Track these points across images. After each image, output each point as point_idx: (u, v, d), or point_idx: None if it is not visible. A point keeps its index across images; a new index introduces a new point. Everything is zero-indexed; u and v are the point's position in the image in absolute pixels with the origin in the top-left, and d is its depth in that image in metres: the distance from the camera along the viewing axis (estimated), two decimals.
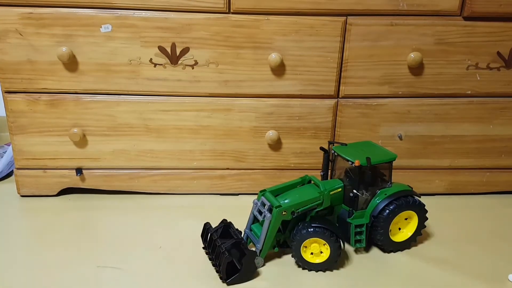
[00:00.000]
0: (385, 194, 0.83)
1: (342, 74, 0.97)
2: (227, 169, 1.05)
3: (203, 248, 0.84)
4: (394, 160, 0.84)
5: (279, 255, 0.84)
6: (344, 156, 0.83)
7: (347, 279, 0.79)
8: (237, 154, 1.03)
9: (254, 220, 0.84)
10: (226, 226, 0.81)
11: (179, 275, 0.78)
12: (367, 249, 0.87)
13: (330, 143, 0.90)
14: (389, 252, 0.86)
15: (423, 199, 1.07)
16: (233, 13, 0.91)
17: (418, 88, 0.99)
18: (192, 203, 1.04)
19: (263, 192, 0.82)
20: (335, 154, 0.86)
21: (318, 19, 0.92)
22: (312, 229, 0.77)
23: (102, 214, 0.98)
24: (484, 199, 1.08)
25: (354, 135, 1.02)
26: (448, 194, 1.09)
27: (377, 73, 0.97)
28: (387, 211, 0.82)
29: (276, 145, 1.03)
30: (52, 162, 1.01)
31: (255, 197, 0.86)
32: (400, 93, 0.99)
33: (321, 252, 0.79)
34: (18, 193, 1.04)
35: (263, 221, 0.79)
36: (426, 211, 0.86)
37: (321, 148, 0.90)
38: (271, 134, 1.00)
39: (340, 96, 0.99)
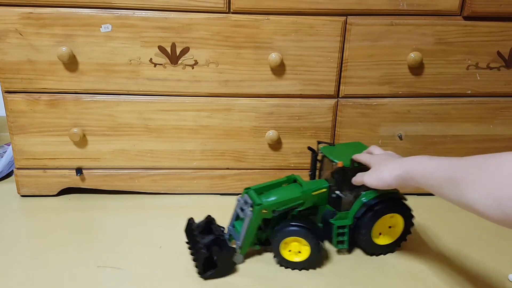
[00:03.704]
0: (369, 196, 0.81)
1: (342, 74, 0.97)
2: (227, 169, 1.05)
3: (186, 243, 0.85)
4: None
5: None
6: (328, 156, 0.83)
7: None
8: (237, 154, 1.03)
9: (237, 217, 0.85)
10: (208, 222, 0.83)
11: (179, 275, 0.78)
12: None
13: (319, 142, 0.90)
14: (371, 255, 0.85)
15: (423, 199, 1.07)
16: (233, 13, 0.91)
17: (418, 88, 0.99)
18: (192, 203, 1.04)
19: (247, 189, 0.82)
20: (322, 154, 0.86)
21: (318, 19, 0.92)
22: (292, 228, 0.77)
23: (102, 214, 0.98)
24: None
25: (354, 135, 1.02)
26: None
27: (377, 73, 0.97)
28: (370, 213, 0.80)
29: (276, 145, 1.03)
30: (52, 162, 1.01)
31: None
32: (400, 93, 0.99)
33: (299, 252, 0.79)
34: (18, 193, 1.04)
35: (244, 218, 0.80)
36: (412, 216, 0.84)
37: (309, 148, 0.90)
38: (271, 134, 1.00)
39: (340, 96, 0.99)
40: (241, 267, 0.81)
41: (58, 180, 1.03)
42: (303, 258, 0.79)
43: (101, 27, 0.90)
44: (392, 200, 0.81)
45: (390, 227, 0.84)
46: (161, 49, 0.92)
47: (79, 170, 1.02)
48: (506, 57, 0.97)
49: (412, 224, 0.84)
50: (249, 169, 1.05)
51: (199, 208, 1.02)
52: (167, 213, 0.99)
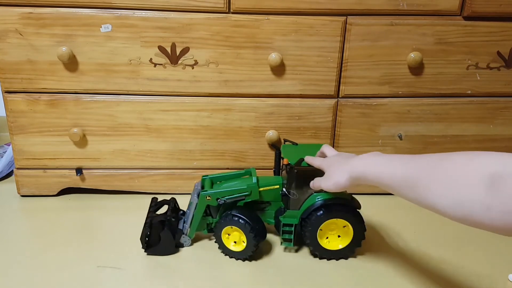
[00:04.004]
0: (318, 198, 0.80)
1: (342, 74, 0.97)
2: (227, 169, 1.05)
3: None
4: None
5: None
6: (282, 154, 0.84)
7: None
8: (237, 154, 1.03)
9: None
10: (167, 202, 0.90)
11: (179, 275, 0.78)
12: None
13: (285, 141, 0.91)
14: (320, 258, 0.83)
15: None
16: (233, 13, 0.91)
17: (418, 88, 0.99)
18: None
19: (205, 177, 0.87)
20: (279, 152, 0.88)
21: (318, 19, 0.92)
22: (232, 217, 0.80)
23: (102, 214, 0.98)
24: None
25: (354, 135, 1.02)
26: None
27: (377, 73, 0.97)
28: (315, 215, 0.79)
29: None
30: (52, 162, 1.01)
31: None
32: (400, 93, 0.99)
33: (235, 242, 0.82)
34: (18, 193, 1.04)
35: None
36: (363, 225, 0.81)
37: (273, 146, 0.93)
38: (271, 134, 1.00)
39: (340, 96, 0.99)
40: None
41: (58, 180, 1.03)
42: (241, 248, 0.81)
43: (101, 27, 0.90)
44: (341, 205, 0.80)
45: (344, 227, 0.81)
46: (161, 49, 0.92)
47: (79, 170, 1.02)
48: (506, 57, 0.97)
49: (364, 230, 0.81)
50: None
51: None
52: None
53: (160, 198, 0.93)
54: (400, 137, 1.03)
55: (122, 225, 0.94)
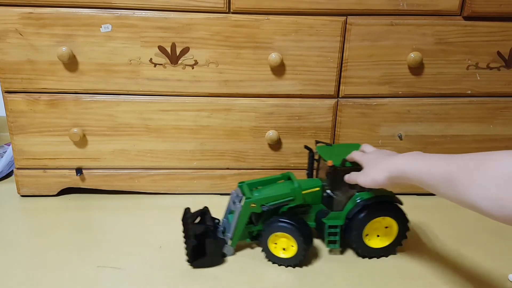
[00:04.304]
0: (361, 198, 0.81)
1: (342, 74, 0.97)
2: (227, 169, 1.05)
3: (182, 231, 0.86)
4: None
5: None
6: (322, 155, 0.83)
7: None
8: (237, 154, 1.03)
9: (231, 210, 0.86)
10: (203, 212, 0.85)
11: (179, 275, 0.78)
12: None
13: (317, 142, 0.90)
14: (363, 257, 0.84)
15: (423, 199, 1.07)
16: (233, 13, 0.91)
17: (418, 88, 0.99)
18: (192, 203, 1.03)
19: (241, 183, 0.84)
20: (317, 153, 0.87)
21: (318, 19, 0.92)
22: (280, 224, 0.78)
23: (102, 214, 0.98)
24: None
25: (354, 135, 1.02)
26: None
27: (377, 73, 0.97)
28: (361, 215, 0.79)
29: (276, 145, 1.03)
30: (52, 162, 1.01)
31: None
32: (400, 93, 0.99)
33: (284, 249, 0.80)
34: (18, 193, 1.04)
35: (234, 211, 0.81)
36: (407, 220, 0.82)
37: (306, 147, 0.90)
38: (271, 134, 1.00)
39: (340, 96, 0.99)
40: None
41: (58, 180, 1.03)
42: (290, 255, 0.79)
43: (101, 27, 0.90)
44: (385, 203, 0.81)
45: (386, 227, 0.83)
46: (161, 49, 0.92)
47: (79, 170, 1.02)
48: (506, 57, 0.97)
49: (407, 229, 0.83)
50: (249, 169, 1.05)
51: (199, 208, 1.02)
52: (167, 213, 0.99)
53: (186, 205, 0.90)
54: (400, 137, 1.03)
55: (122, 225, 0.94)
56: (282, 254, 0.80)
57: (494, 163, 0.50)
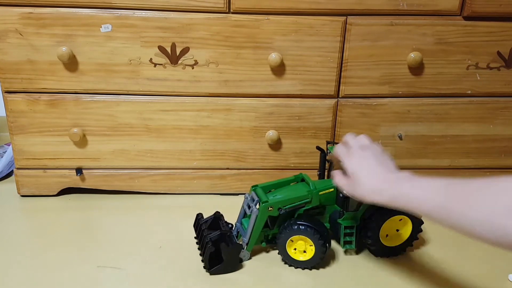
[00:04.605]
0: None
1: (342, 74, 0.97)
2: (227, 169, 1.05)
3: (195, 238, 0.86)
4: None
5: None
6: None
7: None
8: (237, 154, 1.03)
9: (244, 214, 0.85)
10: (216, 218, 0.84)
11: (179, 275, 0.78)
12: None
13: (328, 142, 0.89)
14: (381, 256, 0.84)
15: None
16: (233, 13, 0.91)
17: (418, 88, 0.99)
18: (192, 203, 1.04)
19: (254, 187, 0.83)
20: (329, 153, 0.86)
21: (318, 19, 0.92)
22: (297, 226, 0.77)
23: (102, 214, 0.98)
24: None
25: None
26: None
27: (377, 73, 0.97)
28: (378, 214, 0.80)
29: (276, 145, 1.03)
30: (52, 162, 1.01)
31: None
32: (400, 93, 0.99)
33: (304, 252, 0.79)
34: (18, 193, 1.04)
35: (250, 215, 0.80)
36: (421, 220, 0.83)
37: (318, 148, 0.90)
38: (271, 134, 1.00)
39: (340, 96, 0.99)
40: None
41: (58, 180, 1.03)
42: (308, 257, 0.79)
43: (101, 27, 0.90)
44: None
45: (397, 230, 0.83)
46: (161, 49, 0.92)
47: (79, 170, 1.02)
48: (506, 57, 0.97)
49: (421, 230, 0.84)
50: (249, 169, 1.05)
51: (199, 208, 1.01)
52: (167, 213, 0.99)
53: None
54: (400, 137, 1.03)
55: (122, 225, 0.94)
56: (301, 257, 0.79)
57: (494, 190, 0.48)
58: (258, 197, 0.80)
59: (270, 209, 0.78)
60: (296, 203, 0.79)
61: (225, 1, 0.89)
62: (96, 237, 0.90)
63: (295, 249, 0.79)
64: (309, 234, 0.77)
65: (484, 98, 1.01)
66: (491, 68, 0.98)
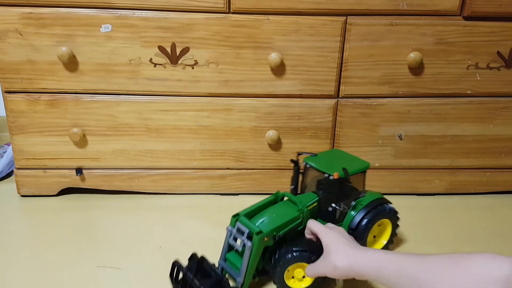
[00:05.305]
0: (361, 204, 0.80)
1: (342, 74, 0.97)
2: (227, 169, 1.05)
3: None
4: (368, 168, 0.81)
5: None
6: (318, 168, 0.79)
7: None
8: (237, 154, 1.03)
9: (228, 249, 0.76)
10: (199, 262, 0.71)
11: None
12: None
13: (299, 154, 0.85)
14: None
15: (423, 199, 1.08)
16: (233, 13, 0.91)
17: (418, 88, 0.99)
18: (192, 203, 1.04)
19: (236, 217, 0.74)
20: (308, 166, 0.82)
21: (318, 19, 0.92)
22: (291, 255, 0.70)
23: (102, 214, 0.98)
24: (484, 199, 1.08)
25: (354, 135, 1.02)
26: (448, 194, 1.09)
27: (377, 73, 0.97)
28: (365, 221, 0.78)
29: (276, 145, 1.03)
30: (52, 162, 1.01)
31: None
32: (400, 93, 0.99)
33: (303, 277, 0.73)
34: (18, 193, 1.04)
35: (243, 250, 0.71)
36: (398, 218, 0.84)
37: (292, 161, 0.85)
38: (271, 134, 1.00)
39: (340, 96, 0.99)
40: None
41: (58, 180, 1.03)
42: (309, 283, 0.73)
43: (101, 27, 0.90)
44: (380, 206, 0.81)
45: (374, 236, 0.84)
46: (161, 49, 0.92)
47: (79, 170, 1.02)
48: (506, 57, 0.97)
49: (398, 226, 0.85)
50: (249, 169, 1.05)
51: (199, 208, 1.02)
52: (167, 213, 0.99)
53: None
54: (400, 137, 1.03)
55: (122, 225, 0.94)
56: (302, 285, 0.73)
57: (462, 265, 0.50)
58: (246, 228, 0.71)
59: (265, 239, 0.70)
60: (290, 226, 0.73)
61: (225, 1, 0.89)
62: (96, 237, 0.90)
63: (293, 277, 0.73)
64: (306, 259, 0.71)
65: (484, 98, 1.01)
66: (491, 68, 0.98)
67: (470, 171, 1.08)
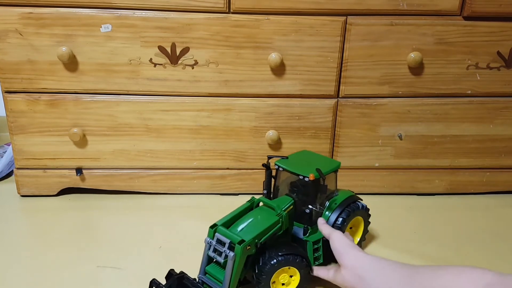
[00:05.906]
0: (335, 204, 0.80)
1: (342, 74, 0.97)
2: (227, 169, 1.05)
3: None
4: (339, 167, 0.81)
5: None
6: (292, 170, 0.78)
7: None
8: (237, 154, 1.03)
9: (208, 261, 0.73)
10: (179, 278, 0.69)
11: None
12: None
13: (269, 157, 0.84)
14: None
15: (423, 199, 1.08)
16: (233, 13, 0.91)
17: (418, 88, 0.99)
18: (192, 203, 1.04)
19: (214, 227, 0.72)
20: (280, 169, 0.81)
21: (318, 19, 0.92)
22: (281, 258, 0.69)
23: (102, 214, 0.98)
24: (484, 199, 1.08)
25: (354, 135, 1.02)
26: (448, 194, 1.09)
27: (377, 73, 0.97)
28: (341, 219, 0.78)
29: (276, 145, 1.03)
30: (52, 162, 1.01)
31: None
32: (400, 93, 0.99)
33: (290, 281, 0.72)
34: (18, 193, 1.04)
35: (225, 261, 0.68)
36: (370, 215, 0.86)
37: (264, 165, 0.83)
38: (271, 134, 1.00)
39: (340, 96, 0.99)
40: None
41: (58, 180, 1.03)
42: (295, 286, 0.72)
43: (101, 27, 0.90)
44: (353, 203, 0.82)
45: (351, 227, 0.85)
46: (161, 49, 0.92)
47: (79, 170, 1.02)
48: (506, 57, 0.97)
49: (369, 222, 0.87)
50: (249, 169, 1.05)
51: (199, 208, 1.02)
52: (167, 213, 0.99)
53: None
54: (400, 137, 1.03)
55: (122, 225, 0.94)
56: None
57: (443, 282, 0.52)
58: (226, 238, 0.69)
59: (248, 248, 0.68)
60: (271, 232, 0.72)
61: (225, 1, 0.89)
62: (96, 237, 0.90)
63: (283, 284, 0.72)
64: (294, 263, 0.70)
65: (484, 98, 1.01)
66: (491, 68, 0.98)
67: (470, 171, 1.08)
